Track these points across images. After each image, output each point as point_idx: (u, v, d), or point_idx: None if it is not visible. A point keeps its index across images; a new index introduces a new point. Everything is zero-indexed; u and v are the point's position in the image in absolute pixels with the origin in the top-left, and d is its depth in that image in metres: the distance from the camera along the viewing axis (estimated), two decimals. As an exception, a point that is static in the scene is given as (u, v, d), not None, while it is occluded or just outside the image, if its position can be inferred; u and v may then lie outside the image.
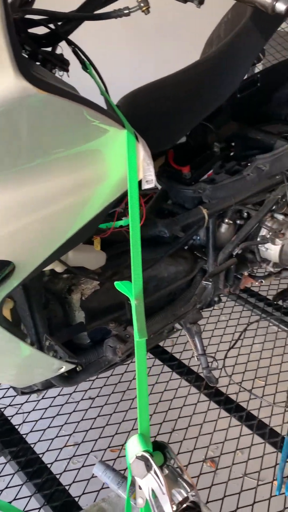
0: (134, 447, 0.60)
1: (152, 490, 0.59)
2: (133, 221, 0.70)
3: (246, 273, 1.59)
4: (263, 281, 1.61)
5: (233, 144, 1.58)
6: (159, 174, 1.36)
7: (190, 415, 1.26)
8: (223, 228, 1.41)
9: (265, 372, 1.40)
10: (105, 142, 0.68)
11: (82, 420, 1.29)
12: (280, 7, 0.73)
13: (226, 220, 1.40)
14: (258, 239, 1.44)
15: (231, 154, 1.55)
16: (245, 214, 1.44)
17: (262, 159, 1.32)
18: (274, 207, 1.43)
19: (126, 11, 0.71)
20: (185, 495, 0.63)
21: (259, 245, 1.50)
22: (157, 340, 1.33)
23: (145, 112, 1.21)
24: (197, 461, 1.13)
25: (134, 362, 1.29)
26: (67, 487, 1.09)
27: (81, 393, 1.37)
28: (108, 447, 1.23)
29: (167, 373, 1.39)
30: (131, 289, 0.71)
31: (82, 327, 1.13)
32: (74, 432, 1.29)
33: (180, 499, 0.62)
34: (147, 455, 0.59)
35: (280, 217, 1.49)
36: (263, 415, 1.27)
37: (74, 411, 1.33)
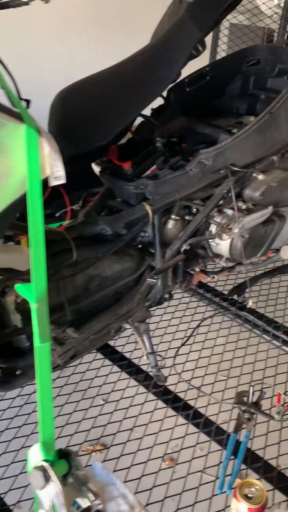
0: (35, 456, 0.58)
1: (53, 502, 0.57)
2: (33, 218, 0.67)
3: (198, 269, 1.58)
4: (215, 276, 1.60)
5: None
6: (102, 171, 1.33)
7: (136, 415, 1.24)
8: (170, 224, 1.39)
9: (216, 368, 1.39)
10: (5, 137, 0.65)
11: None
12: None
13: (173, 216, 1.38)
14: (207, 235, 1.42)
15: (184, 148, 1.53)
16: (194, 209, 1.43)
17: (204, 154, 1.30)
18: (221, 202, 1.42)
19: (25, 0, 0.67)
20: (89, 504, 0.61)
21: (210, 240, 1.49)
22: (102, 340, 1.30)
23: (78, 108, 1.19)
24: (139, 463, 1.11)
25: (99, 359, 1.25)
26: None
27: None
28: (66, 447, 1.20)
29: (116, 373, 1.37)
30: (33, 292, 0.68)
31: (18, 330, 1.10)
32: (32, 433, 1.25)
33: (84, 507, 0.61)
34: (45, 465, 0.57)
35: (229, 211, 1.47)
36: (211, 412, 1.26)
37: (34, 411, 1.28)
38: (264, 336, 1.57)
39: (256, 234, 1.52)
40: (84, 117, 1.17)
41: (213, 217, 1.44)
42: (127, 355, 1.43)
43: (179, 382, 1.34)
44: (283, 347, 1.51)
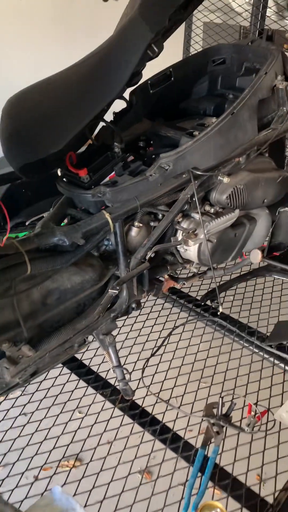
0: None
1: None
2: None
3: (166, 276, 1.53)
4: (185, 283, 1.55)
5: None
6: (59, 179, 1.28)
7: (101, 433, 1.19)
8: (134, 231, 1.34)
9: (186, 379, 1.34)
10: None
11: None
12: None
13: (136, 223, 1.33)
14: (172, 241, 1.38)
15: (148, 152, 1.48)
16: (161, 215, 1.38)
17: (165, 158, 1.26)
18: (186, 207, 1.37)
19: None
20: None
21: (178, 246, 1.44)
22: (65, 355, 1.25)
23: (28, 114, 1.14)
24: (101, 485, 1.06)
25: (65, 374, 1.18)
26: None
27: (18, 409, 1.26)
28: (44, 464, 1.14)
29: (82, 389, 1.31)
30: None
31: None
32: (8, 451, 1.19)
33: None
34: None
35: (196, 216, 1.43)
36: (180, 426, 1.21)
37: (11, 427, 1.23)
38: (238, 342, 1.53)
39: (224, 239, 1.48)
40: (34, 124, 1.12)
41: (179, 222, 1.40)
42: (94, 368, 1.38)
43: (147, 395, 1.29)
44: (257, 353, 1.46)
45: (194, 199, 1.31)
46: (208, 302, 1.69)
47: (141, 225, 1.34)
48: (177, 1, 1.15)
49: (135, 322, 1.56)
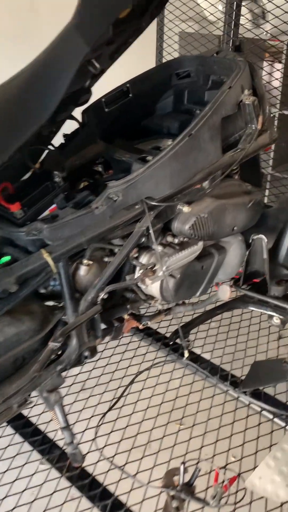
0: None
1: None
2: None
3: (127, 316, 1.36)
4: (149, 322, 1.39)
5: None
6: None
7: (44, 510, 1.01)
8: (83, 270, 1.18)
9: (147, 438, 1.17)
10: None
11: None
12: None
13: (85, 261, 1.17)
14: (127, 279, 1.21)
15: (107, 179, 1.32)
16: (117, 249, 1.22)
17: (113, 188, 1.10)
18: (143, 240, 1.21)
19: None
20: None
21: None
22: (2, 417, 1.08)
23: None
24: None
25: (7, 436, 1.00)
26: None
27: None
28: None
29: (26, 453, 1.14)
30: None
31: None
32: None
33: None
34: None
35: (159, 248, 1.27)
36: (136, 499, 1.04)
37: None
38: (210, 388, 1.36)
39: (190, 272, 1.31)
40: None
41: (136, 258, 1.24)
42: (42, 427, 1.21)
43: (99, 460, 1.12)
44: (230, 401, 1.30)
45: (150, 232, 1.15)
46: (178, 340, 1.52)
47: (91, 262, 1.17)
48: (117, 8, 0.99)
49: (93, 369, 1.39)
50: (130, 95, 1.44)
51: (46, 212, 1.13)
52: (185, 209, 1.20)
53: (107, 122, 1.42)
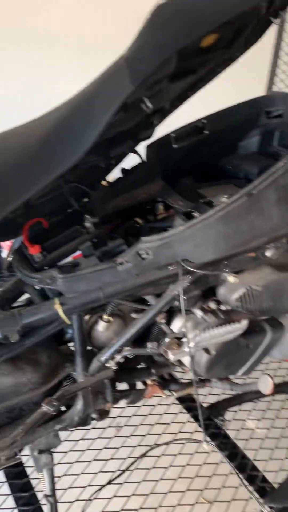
0: None
1: None
2: None
3: (150, 381, 1.20)
4: (175, 393, 1.21)
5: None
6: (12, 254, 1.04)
7: None
8: (102, 326, 1.06)
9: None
10: None
11: None
12: None
13: (105, 317, 1.04)
14: (148, 347, 1.05)
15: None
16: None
17: (144, 243, 0.95)
18: (177, 304, 1.04)
19: None
20: None
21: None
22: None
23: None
24: None
25: None
26: None
27: None
28: None
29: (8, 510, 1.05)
30: None
31: None
32: None
33: None
34: None
35: (198, 313, 1.10)
36: None
37: None
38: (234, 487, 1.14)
39: (229, 350, 1.11)
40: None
41: (167, 323, 1.08)
42: (34, 481, 1.11)
43: None
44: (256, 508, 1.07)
45: (180, 299, 0.98)
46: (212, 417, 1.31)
47: (111, 319, 1.05)
48: (163, 54, 0.82)
49: (108, 426, 1.25)
50: (206, 132, 1.27)
51: (69, 258, 1.02)
52: (231, 279, 1.01)
53: (173, 160, 1.27)
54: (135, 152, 1.21)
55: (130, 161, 1.25)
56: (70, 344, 1.12)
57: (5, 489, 1.09)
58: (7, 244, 2.07)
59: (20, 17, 1.95)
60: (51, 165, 0.87)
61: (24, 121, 0.98)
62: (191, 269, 0.96)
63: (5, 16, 1.92)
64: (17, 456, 1.04)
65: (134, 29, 0.83)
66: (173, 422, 1.27)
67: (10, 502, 1.06)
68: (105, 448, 1.18)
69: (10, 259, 1.53)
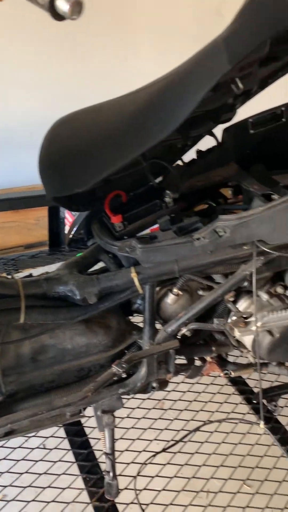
0: None
1: None
2: None
3: (209, 358, 1.24)
4: (232, 373, 1.24)
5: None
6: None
7: None
8: (170, 299, 1.10)
9: (191, 497, 1.04)
10: None
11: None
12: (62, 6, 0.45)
13: (175, 290, 1.08)
14: (215, 323, 1.08)
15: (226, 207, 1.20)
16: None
17: (222, 221, 0.98)
18: (246, 284, 1.07)
19: None
20: None
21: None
22: (52, 422, 1.07)
23: (63, 143, 0.99)
24: None
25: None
26: None
27: None
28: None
29: (67, 463, 1.11)
30: None
31: None
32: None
33: None
34: None
35: (264, 297, 1.12)
36: None
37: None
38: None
39: (293, 334, 1.13)
40: (65, 156, 0.96)
41: (233, 302, 1.11)
42: (92, 442, 1.17)
43: (131, 503, 1.03)
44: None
45: (253, 279, 1.01)
46: (265, 401, 1.33)
47: (180, 293, 1.08)
48: (260, 37, 0.84)
49: (163, 399, 1.30)
50: (283, 119, 1.28)
51: (147, 230, 1.06)
52: (305, 265, 1.02)
53: (249, 145, 1.29)
54: (212, 134, 1.23)
55: (204, 144, 1.28)
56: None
57: (66, 444, 1.16)
58: (69, 221, 2.15)
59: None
60: (143, 137, 0.91)
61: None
62: (267, 249, 0.98)
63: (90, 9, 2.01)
64: (81, 414, 1.10)
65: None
66: (225, 402, 1.30)
67: (70, 456, 1.13)
68: (160, 418, 1.23)
69: (71, 236, 1.59)
